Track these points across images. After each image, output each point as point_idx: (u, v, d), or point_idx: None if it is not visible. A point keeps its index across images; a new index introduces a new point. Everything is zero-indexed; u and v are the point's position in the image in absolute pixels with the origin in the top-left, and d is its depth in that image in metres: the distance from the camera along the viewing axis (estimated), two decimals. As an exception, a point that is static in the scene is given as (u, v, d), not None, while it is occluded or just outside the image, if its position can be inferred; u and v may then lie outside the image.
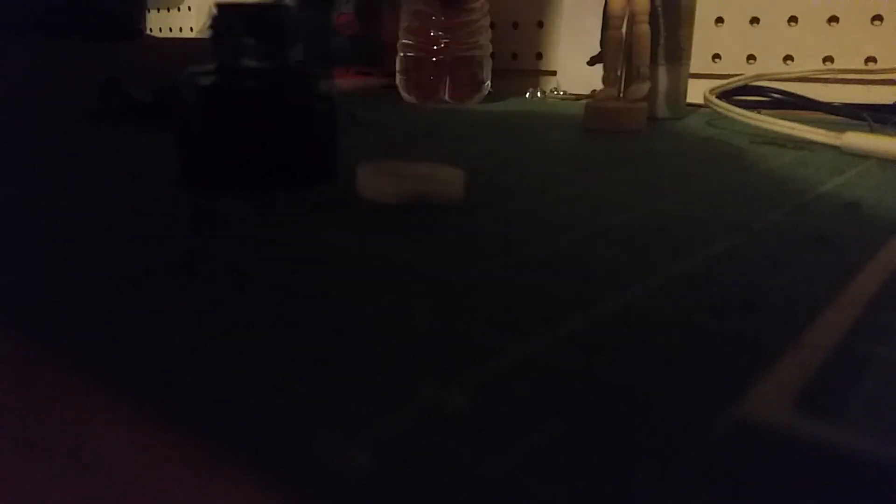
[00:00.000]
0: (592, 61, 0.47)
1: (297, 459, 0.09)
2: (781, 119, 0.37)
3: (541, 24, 0.72)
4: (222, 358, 0.11)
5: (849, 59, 0.55)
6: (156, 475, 0.09)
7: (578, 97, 0.63)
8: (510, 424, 0.10)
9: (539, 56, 0.73)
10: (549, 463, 0.09)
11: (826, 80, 0.55)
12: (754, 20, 0.59)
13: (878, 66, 0.54)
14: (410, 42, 0.54)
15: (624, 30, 0.43)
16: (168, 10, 1.09)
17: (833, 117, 0.46)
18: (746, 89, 0.49)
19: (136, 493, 0.08)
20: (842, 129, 0.34)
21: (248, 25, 0.23)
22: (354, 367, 0.11)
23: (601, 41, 0.43)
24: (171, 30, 1.10)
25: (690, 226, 0.20)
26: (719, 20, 0.60)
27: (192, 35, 1.04)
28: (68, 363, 0.11)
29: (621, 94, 0.43)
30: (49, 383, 0.11)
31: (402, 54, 0.55)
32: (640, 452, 0.09)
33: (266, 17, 0.23)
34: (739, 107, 0.40)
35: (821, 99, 0.47)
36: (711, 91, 0.45)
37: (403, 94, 0.56)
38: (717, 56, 0.61)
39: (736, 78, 0.49)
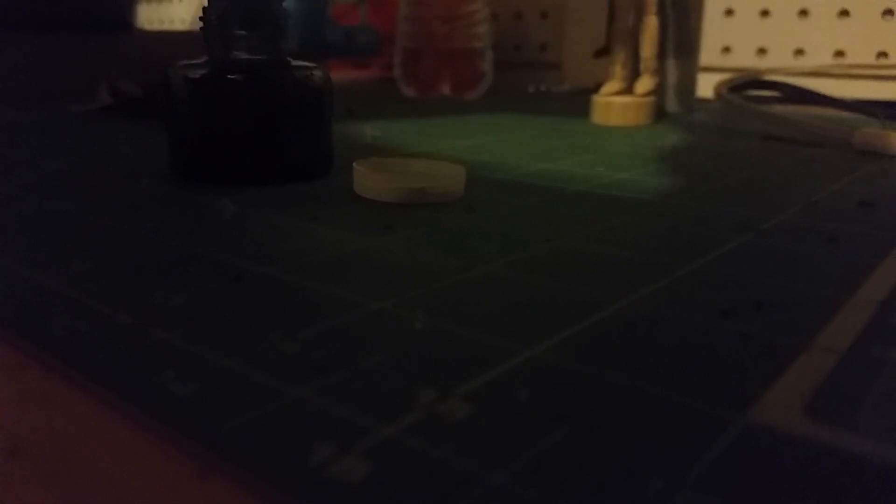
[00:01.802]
0: (598, 54, 0.47)
1: (293, 465, 0.09)
2: (792, 114, 0.36)
3: (544, 15, 0.71)
4: (217, 361, 0.11)
5: (860, 54, 0.54)
6: (146, 481, 0.08)
7: (584, 91, 0.62)
8: (512, 429, 0.09)
9: (543, 48, 0.72)
10: (553, 470, 0.09)
11: (837, 76, 0.54)
12: (764, 12, 0.58)
13: (890, 60, 0.53)
14: (409, 33, 0.54)
15: (631, 21, 0.42)
16: (159, 3, 1.09)
17: (844, 113, 0.45)
18: (757, 83, 0.48)
19: (126, 500, 0.08)
20: (853, 125, 0.34)
21: (240, 16, 0.23)
22: (351, 371, 0.11)
23: (608, 33, 0.43)
24: (161, 22, 1.09)
25: (699, 224, 0.20)
26: (729, 12, 0.60)
27: (183, 27, 1.03)
28: (56, 366, 0.11)
29: (628, 88, 0.43)
30: (37, 387, 0.11)
31: (400, 46, 0.55)
32: (647, 458, 0.09)
33: (258, 8, 0.23)
34: (750, 101, 0.39)
35: (832, 94, 0.47)
36: (721, 85, 0.45)
37: (402, 87, 0.55)
38: (727, 49, 0.60)
39: (746, 72, 0.48)
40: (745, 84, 0.47)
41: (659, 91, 0.43)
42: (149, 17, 1.10)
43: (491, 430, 0.09)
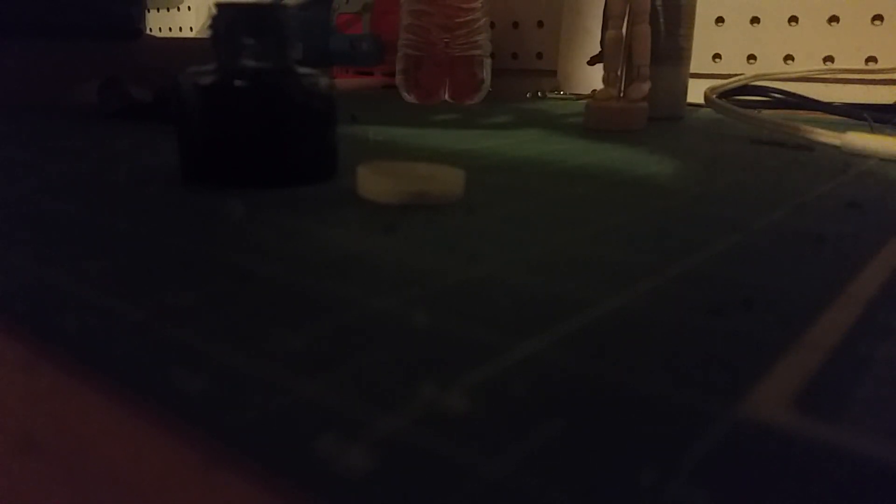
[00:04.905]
0: (592, 61, 0.47)
1: (297, 459, 0.09)
2: (782, 119, 0.37)
3: (541, 24, 0.72)
4: (222, 358, 0.11)
5: (849, 59, 0.55)
6: (155, 475, 0.09)
7: (579, 97, 0.63)
8: (510, 425, 0.10)
9: (539, 56, 0.73)
10: (549, 464, 0.09)
11: (826, 80, 0.55)
12: (755, 20, 0.59)
13: (879, 65, 0.54)
14: (410, 41, 0.54)
15: (624, 29, 0.43)
16: (168, 10, 1.09)
17: (834, 117, 0.46)
18: (747, 89, 0.49)
19: (136, 494, 0.08)
20: (842, 129, 0.34)
21: (247, 25, 0.23)
22: (354, 367, 0.11)
23: (601, 41, 0.43)
24: (170, 29, 1.10)
25: (690, 225, 0.20)
26: (720, 20, 0.60)
27: (192, 35, 1.04)
28: (68, 363, 0.11)
29: (621, 94, 0.43)
30: (49, 383, 0.11)
31: (401, 54, 0.55)
32: (640, 453, 0.09)
33: (265, 17, 0.23)
34: (740, 107, 0.40)
35: (821, 99, 0.47)
36: (712, 91, 0.45)
37: (403, 93, 0.56)
38: (717, 56, 0.61)
39: (736, 78, 0.49)
40: (735, 90, 0.48)
41: (651, 97, 0.43)
42: (158, 25, 1.11)
43: (490, 423, 0.10)
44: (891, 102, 0.50)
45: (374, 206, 0.21)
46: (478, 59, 0.55)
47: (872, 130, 0.37)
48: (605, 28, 0.43)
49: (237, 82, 0.23)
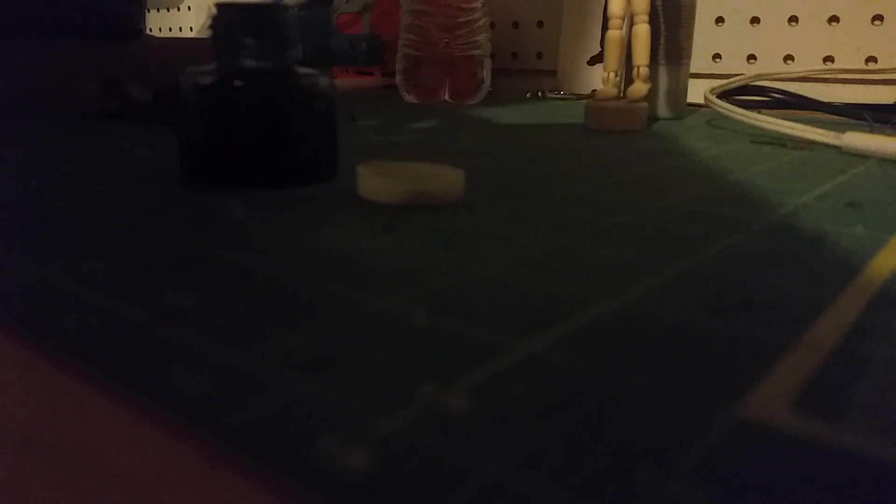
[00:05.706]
0: (592, 61, 0.47)
1: (296, 459, 0.09)
2: (782, 119, 0.37)
3: (541, 24, 0.72)
4: (222, 358, 0.11)
5: (849, 59, 0.55)
6: (155, 475, 0.09)
7: (579, 97, 0.63)
8: (510, 425, 0.10)
9: (539, 56, 0.73)
10: (549, 464, 0.09)
11: (826, 80, 0.55)
12: (755, 20, 0.59)
13: (879, 65, 0.54)
14: (410, 41, 0.54)
15: (624, 29, 0.43)
16: (168, 10, 1.09)
17: (833, 117, 0.46)
18: (747, 89, 0.49)
19: (136, 494, 0.08)
20: (842, 129, 0.34)
21: (247, 25, 0.23)
22: (354, 367, 0.11)
23: (601, 41, 0.43)
24: (170, 29, 1.10)
25: (690, 225, 0.20)
26: (720, 20, 0.60)
27: (192, 35, 1.04)
28: (68, 363, 0.11)
29: (621, 94, 0.43)
30: (49, 383, 0.11)
31: (401, 54, 0.55)
32: (639, 453, 0.09)
33: (265, 17, 0.23)
34: (740, 107, 0.40)
35: (821, 99, 0.47)
36: (712, 91, 0.45)
37: (403, 93, 0.56)
38: (717, 56, 0.61)
39: (736, 78, 0.49)
40: (735, 90, 0.48)
41: (651, 97, 0.43)
42: (158, 25, 1.11)
43: (490, 423, 0.10)
44: (891, 102, 0.50)
45: (374, 206, 0.22)
46: (478, 59, 0.55)
47: (872, 130, 0.37)
48: (605, 28, 0.43)
49: (237, 82, 0.23)
